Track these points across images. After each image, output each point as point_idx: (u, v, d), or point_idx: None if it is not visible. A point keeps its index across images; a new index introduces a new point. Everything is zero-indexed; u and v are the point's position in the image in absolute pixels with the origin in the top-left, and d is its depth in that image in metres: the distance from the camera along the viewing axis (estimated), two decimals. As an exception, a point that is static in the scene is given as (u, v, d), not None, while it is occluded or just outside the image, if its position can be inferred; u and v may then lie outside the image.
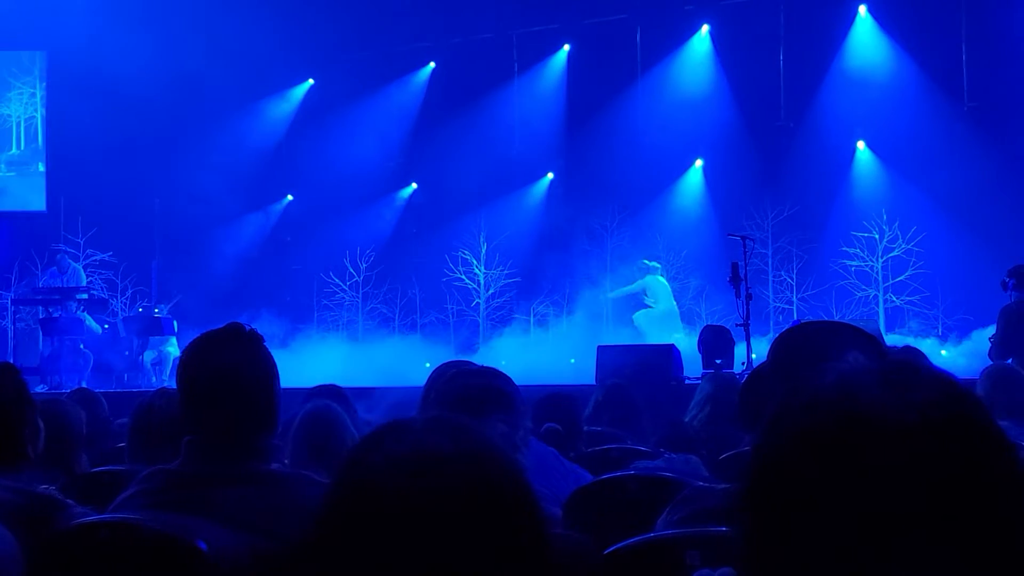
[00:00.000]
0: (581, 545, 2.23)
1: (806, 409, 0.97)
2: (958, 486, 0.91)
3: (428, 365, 8.58)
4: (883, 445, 0.92)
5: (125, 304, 15.99)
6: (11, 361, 5.22)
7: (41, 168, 16.72)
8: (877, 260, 13.75)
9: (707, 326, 10.49)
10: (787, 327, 2.41)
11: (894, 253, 13.64)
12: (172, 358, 12.89)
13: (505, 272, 15.66)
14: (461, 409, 2.60)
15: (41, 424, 2.90)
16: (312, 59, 16.63)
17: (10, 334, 14.57)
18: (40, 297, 13.59)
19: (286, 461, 3.72)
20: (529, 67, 15.99)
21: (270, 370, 2.45)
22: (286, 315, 14.99)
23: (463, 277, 15.78)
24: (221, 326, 2.47)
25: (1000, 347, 8.08)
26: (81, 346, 12.80)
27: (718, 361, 9.42)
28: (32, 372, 12.00)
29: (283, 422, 3.09)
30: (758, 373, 2.59)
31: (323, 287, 16.52)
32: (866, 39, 14.21)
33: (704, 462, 3.94)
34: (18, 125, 16.75)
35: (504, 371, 2.96)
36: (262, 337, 2.48)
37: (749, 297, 9.90)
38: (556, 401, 4.81)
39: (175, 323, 13.55)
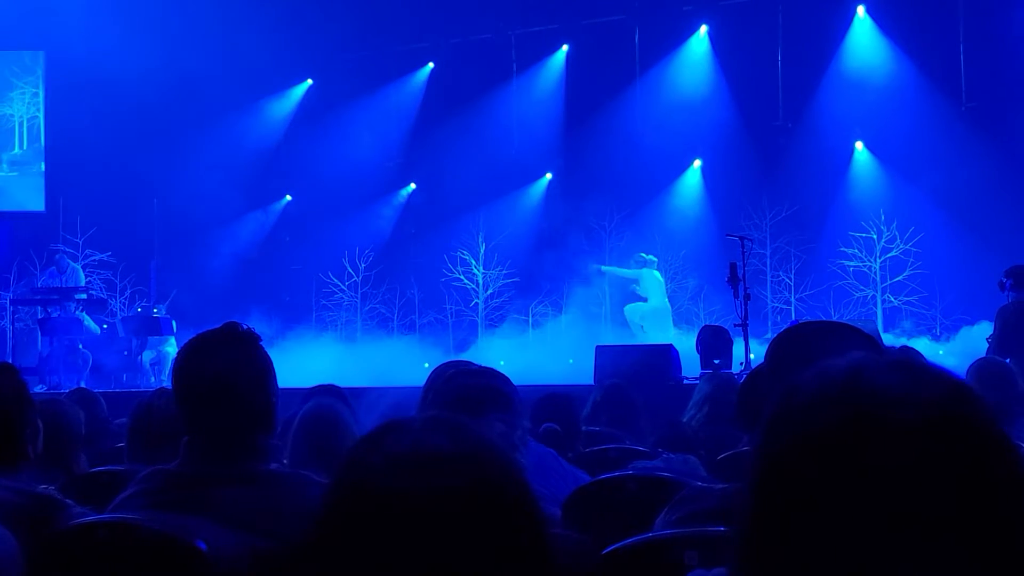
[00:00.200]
0: (580, 545, 2.23)
1: (806, 409, 0.97)
2: (960, 486, 0.91)
3: (427, 365, 8.59)
4: (884, 445, 0.92)
5: (124, 304, 15.99)
6: (10, 361, 5.22)
7: (43, 168, 16.71)
8: (875, 260, 13.76)
9: (705, 326, 10.48)
10: (785, 327, 2.41)
11: (892, 253, 13.65)
12: (171, 358, 12.87)
13: (504, 272, 15.66)
14: (459, 409, 2.61)
15: (40, 424, 2.90)
16: (311, 59, 16.63)
17: (9, 334, 14.57)
18: (39, 297, 13.58)
19: (285, 461, 3.72)
20: (528, 67, 15.99)
21: (267, 369, 2.45)
22: (277, 315, 14.96)
23: (462, 277, 15.78)
24: (218, 326, 2.47)
25: (998, 347, 8.07)
26: (80, 346, 12.78)
27: (716, 361, 9.42)
28: (31, 372, 11.98)
29: (281, 422, 3.09)
30: (756, 373, 2.60)
31: (322, 287, 16.52)
32: (864, 39, 14.22)
33: (702, 462, 3.95)
34: (20, 125, 16.73)
35: (502, 371, 2.97)
36: (259, 336, 2.48)
37: (747, 297, 9.90)
38: (554, 401, 4.81)
39: (174, 323, 13.54)
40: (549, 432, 4.36)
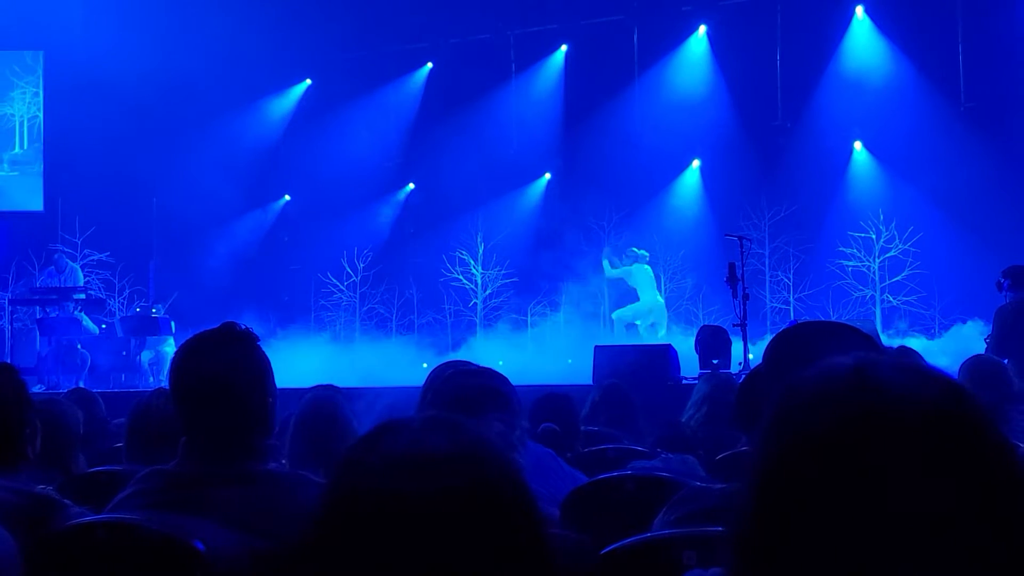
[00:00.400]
0: (578, 545, 2.23)
1: (809, 407, 0.97)
2: (960, 486, 0.91)
3: (425, 366, 8.59)
4: (888, 444, 0.92)
5: (122, 304, 15.98)
6: (8, 361, 5.22)
7: (41, 168, 16.70)
8: (874, 260, 13.77)
9: (704, 326, 10.49)
10: (784, 327, 2.41)
11: (891, 253, 13.65)
12: (169, 358, 12.84)
13: (502, 272, 15.66)
14: (458, 409, 2.61)
15: (38, 424, 2.90)
16: (310, 59, 16.64)
17: (7, 334, 14.57)
18: (37, 297, 13.57)
19: (284, 461, 3.72)
20: (526, 67, 16.00)
21: (265, 370, 2.45)
22: (270, 314, 14.95)
23: (460, 277, 15.78)
24: (215, 326, 2.47)
25: (997, 348, 8.07)
26: (78, 346, 12.78)
27: (715, 361, 9.42)
28: (29, 372, 11.97)
29: (279, 422, 3.09)
30: (755, 374, 2.60)
31: (321, 287, 16.52)
32: (863, 40, 14.22)
33: (701, 462, 3.95)
34: (21, 125, 16.73)
35: (501, 371, 2.97)
36: (257, 336, 2.48)
37: (746, 297, 9.91)
38: (553, 401, 4.82)
39: (172, 323, 13.53)
40: (548, 432, 4.37)
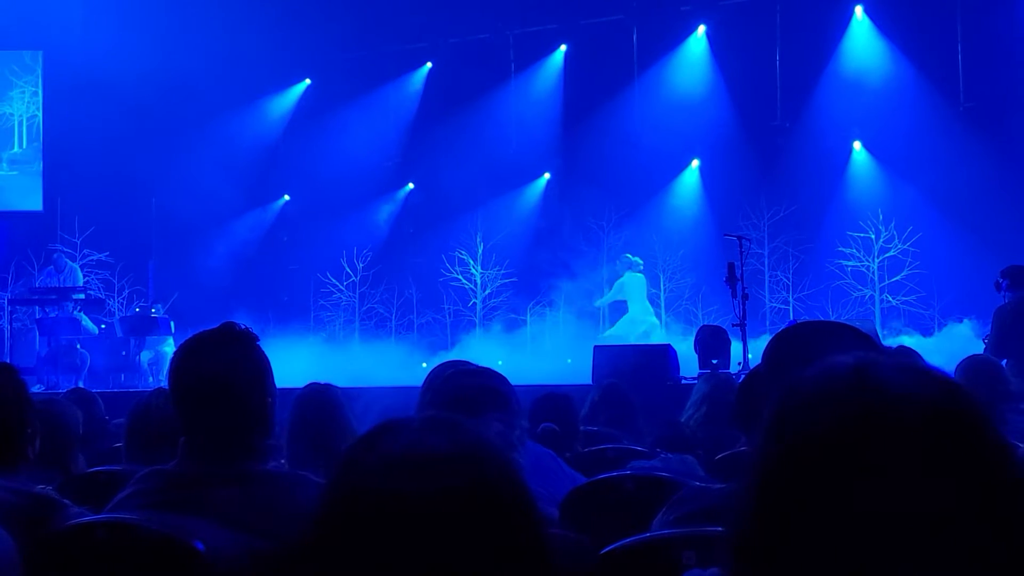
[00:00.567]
0: (578, 545, 2.23)
1: (811, 406, 0.96)
2: (960, 485, 0.91)
3: (424, 365, 8.59)
4: (890, 443, 0.91)
5: (122, 304, 15.97)
6: (7, 361, 5.22)
7: (41, 167, 16.70)
8: (873, 260, 13.77)
9: (703, 326, 10.48)
10: (783, 327, 2.41)
11: (890, 253, 13.65)
12: (168, 358, 12.84)
13: (502, 272, 15.66)
14: (457, 409, 2.61)
15: (38, 424, 2.90)
16: (309, 59, 16.63)
17: (6, 334, 14.55)
18: (37, 297, 13.57)
19: (283, 461, 3.72)
20: (526, 67, 15.99)
21: (264, 369, 2.45)
22: (265, 314, 14.94)
23: (460, 277, 15.78)
24: (214, 326, 2.47)
25: (995, 348, 8.07)
26: (78, 346, 12.77)
27: (714, 361, 9.41)
28: (28, 372, 11.96)
29: (279, 421, 3.09)
30: (755, 374, 2.60)
31: (320, 287, 16.52)
32: (862, 40, 14.22)
33: (700, 462, 3.95)
34: (20, 124, 16.73)
35: (500, 371, 2.97)
36: (256, 336, 2.48)
37: (745, 297, 9.90)
38: (553, 401, 4.82)
39: (172, 323, 13.53)
40: (547, 432, 4.37)
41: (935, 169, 13.16)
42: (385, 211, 16.73)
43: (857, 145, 14.17)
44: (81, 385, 10.90)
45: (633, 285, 13.46)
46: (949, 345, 11.31)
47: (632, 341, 13.04)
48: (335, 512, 1.16)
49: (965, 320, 12.49)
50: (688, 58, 15.11)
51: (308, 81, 17.18)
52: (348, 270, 16.40)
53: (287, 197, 17.27)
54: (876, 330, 10.98)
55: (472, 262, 15.80)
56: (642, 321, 13.35)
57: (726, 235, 11.10)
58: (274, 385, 2.46)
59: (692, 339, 10.10)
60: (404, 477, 1.13)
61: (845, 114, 13.93)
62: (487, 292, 15.79)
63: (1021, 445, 3.09)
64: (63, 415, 3.91)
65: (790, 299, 14.29)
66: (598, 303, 14.29)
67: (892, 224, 13.61)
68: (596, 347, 10.05)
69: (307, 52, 16.35)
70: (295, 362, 11.06)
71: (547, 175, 15.88)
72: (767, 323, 13.79)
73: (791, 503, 0.94)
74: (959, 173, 12.88)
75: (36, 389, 11.17)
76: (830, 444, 0.93)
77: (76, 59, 15.47)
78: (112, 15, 15.35)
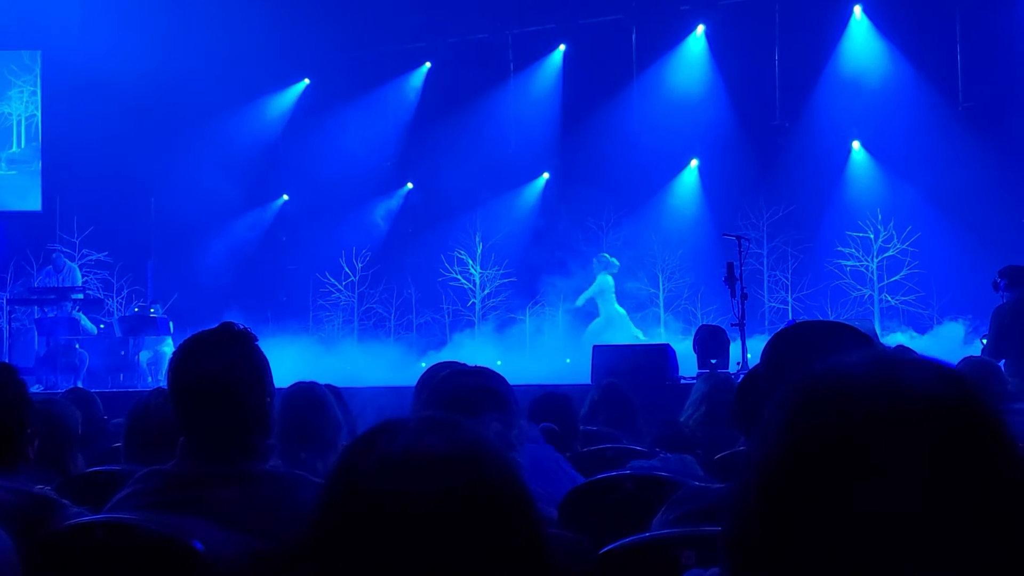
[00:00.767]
0: (577, 545, 2.23)
1: (825, 404, 0.95)
2: (962, 483, 0.90)
3: (423, 365, 8.59)
4: (908, 441, 0.91)
5: (121, 304, 15.97)
6: (6, 361, 5.21)
7: (39, 167, 16.70)
8: (872, 260, 13.77)
9: (702, 326, 10.49)
10: (782, 327, 2.41)
11: (889, 253, 13.66)
12: (167, 358, 12.84)
13: (501, 272, 15.66)
14: (455, 409, 2.61)
15: (38, 424, 2.90)
16: (308, 59, 16.63)
17: (5, 334, 14.54)
18: (35, 297, 13.57)
19: (279, 461, 3.71)
20: (525, 67, 15.98)
21: (263, 369, 2.45)
22: (264, 314, 14.93)
23: (459, 277, 15.78)
24: (213, 326, 2.47)
25: (994, 349, 8.07)
26: (76, 346, 12.77)
27: (713, 361, 9.41)
28: (27, 372, 11.95)
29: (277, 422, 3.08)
30: (754, 374, 2.59)
31: (319, 287, 16.51)
32: (861, 39, 14.22)
33: (699, 461, 3.95)
34: (18, 124, 16.73)
35: (498, 371, 2.97)
36: (255, 336, 2.48)
37: (744, 297, 9.91)
38: (552, 401, 4.82)
39: (171, 323, 13.53)
40: (547, 432, 4.37)
41: (934, 169, 13.16)
42: (384, 211, 16.73)
43: (856, 145, 14.17)
44: (80, 385, 10.90)
45: (605, 288, 13.58)
46: (942, 344, 11.32)
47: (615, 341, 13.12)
48: (333, 512, 1.16)
49: (960, 319, 12.51)
50: (687, 58, 15.10)
51: (307, 81, 17.17)
52: (347, 270, 16.40)
53: (286, 197, 17.27)
54: (875, 330, 10.99)
55: (471, 262, 15.80)
56: (619, 318, 13.45)
57: (725, 235, 11.10)
58: (272, 385, 2.46)
59: (691, 339, 10.11)
60: (403, 477, 1.13)
61: (844, 114, 13.93)
62: (486, 292, 15.79)
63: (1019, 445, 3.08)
64: (62, 415, 3.90)
65: (789, 299, 14.29)
66: (578, 303, 14.29)
67: (891, 224, 13.62)
68: (595, 347, 10.05)
69: (306, 52, 16.34)
70: (294, 362, 11.07)
71: (546, 175, 15.87)
72: (766, 323, 13.80)
73: (795, 501, 0.93)
74: (958, 173, 12.88)
75: (35, 389, 11.17)
76: (842, 441, 0.92)
77: (75, 59, 15.46)
78: (111, 15, 15.35)
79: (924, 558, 0.89)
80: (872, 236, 13.72)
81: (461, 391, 2.79)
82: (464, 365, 3.23)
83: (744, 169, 14.26)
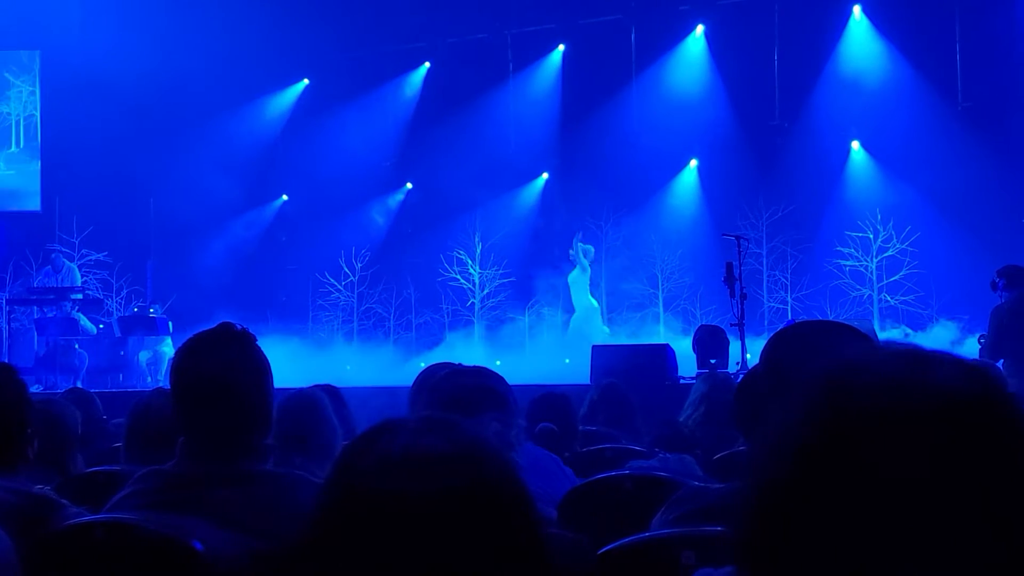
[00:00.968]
0: (576, 545, 2.23)
1: (827, 404, 0.94)
2: (989, 479, 0.89)
3: (423, 365, 8.59)
4: (890, 442, 0.90)
5: (120, 304, 15.97)
6: (5, 361, 5.21)
7: (39, 167, 16.70)
8: (871, 260, 13.78)
9: (702, 326, 10.50)
10: (782, 327, 2.41)
11: (888, 253, 13.66)
12: (167, 358, 12.84)
13: (500, 272, 15.66)
14: (454, 409, 2.61)
15: (38, 424, 2.90)
16: (307, 59, 16.63)
17: (4, 334, 14.54)
18: (35, 297, 13.56)
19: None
20: (524, 67, 15.99)
21: (264, 370, 2.45)
22: (256, 314, 14.91)
23: (458, 277, 15.78)
24: (213, 326, 2.47)
25: (992, 349, 8.07)
26: (76, 346, 12.77)
27: (712, 361, 9.42)
28: (26, 372, 11.93)
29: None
30: (754, 374, 2.60)
31: (318, 287, 16.51)
32: (860, 39, 14.22)
33: (699, 462, 3.95)
34: (17, 124, 16.73)
35: (498, 371, 2.97)
36: (254, 336, 2.48)
37: (744, 297, 9.91)
38: (551, 401, 4.82)
39: (170, 323, 13.53)
40: (546, 432, 4.37)
41: (933, 169, 13.17)
42: (383, 211, 16.73)
43: (855, 145, 14.17)
44: (79, 385, 10.89)
45: (580, 278, 13.69)
46: (933, 343, 11.29)
47: (585, 333, 13.21)
48: (333, 512, 1.16)
49: (956, 319, 12.52)
50: (686, 58, 15.11)
51: (306, 81, 17.17)
52: (346, 270, 16.40)
53: (285, 197, 17.27)
54: (874, 329, 11.00)
55: (470, 262, 15.80)
56: (592, 310, 13.56)
57: (724, 235, 11.11)
58: (272, 385, 2.46)
59: (690, 339, 10.11)
60: (402, 477, 1.13)
61: (843, 114, 13.93)
62: (485, 292, 15.79)
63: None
64: (61, 415, 3.90)
65: (788, 299, 14.30)
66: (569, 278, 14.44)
67: (890, 224, 13.62)
68: (594, 347, 10.06)
69: (305, 52, 16.34)
70: (293, 362, 11.08)
71: (545, 175, 15.88)
72: (765, 323, 13.80)
73: (801, 501, 0.92)
74: (957, 173, 12.89)
75: (34, 389, 11.15)
76: (873, 435, 0.90)
77: (74, 59, 15.46)
78: (110, 15, 15.35)
79: (926, 558, 0.88)
80: (871, 236, 13.73)
81: (460, 391, 2.79)
82: (462, 365, 3.23)
83: (743, 169, 14.26)
